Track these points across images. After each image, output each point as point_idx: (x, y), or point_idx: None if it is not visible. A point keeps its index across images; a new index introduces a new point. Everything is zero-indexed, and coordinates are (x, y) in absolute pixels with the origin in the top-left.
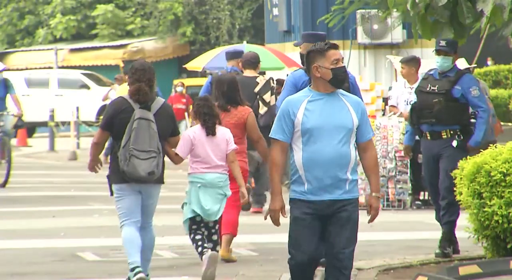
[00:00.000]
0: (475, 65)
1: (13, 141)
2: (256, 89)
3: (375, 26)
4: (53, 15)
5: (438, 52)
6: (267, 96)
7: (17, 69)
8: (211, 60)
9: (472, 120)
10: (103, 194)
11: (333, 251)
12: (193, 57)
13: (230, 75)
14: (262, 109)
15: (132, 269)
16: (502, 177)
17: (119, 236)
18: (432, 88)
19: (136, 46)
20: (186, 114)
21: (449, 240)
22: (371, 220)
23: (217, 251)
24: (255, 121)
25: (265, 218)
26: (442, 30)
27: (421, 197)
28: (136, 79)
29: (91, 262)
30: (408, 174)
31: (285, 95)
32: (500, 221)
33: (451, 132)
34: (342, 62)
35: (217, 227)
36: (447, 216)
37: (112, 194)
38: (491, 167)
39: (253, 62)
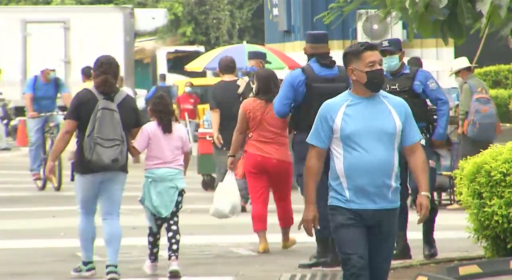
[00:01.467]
0: (476, 65)
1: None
2: (240, 91)
3: (375, 26)
4: None
5: (383, 52)
6: None
7: None
8: (212, 60)
9: (435, 117)
10: None
11: (371, 265)
12: (193, 57)
13: (268, 70)
14: None
15: (85, 263)
16: (502, 177)
17: None
18: (392, 87)
19: (136, 46)
20: (186, 114)
21: (429, 240)
22: (420, 220)
23: (178, 241)
24: None
25: (299, 228)
26: (441, 30)
27: None
28: (102, 72)
29: None
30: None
31: (282, 94)
32: (500, 221)
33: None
34: (380, 65)
35: (175, 219)
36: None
37: (73, 179)
38: (491, 167)
39: (231, 66)
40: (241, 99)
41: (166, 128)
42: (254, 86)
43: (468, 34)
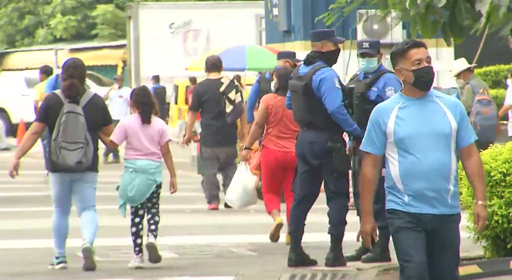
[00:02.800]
0: (476, 64)
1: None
2: (222, 89)
3: (375, 26)
4: (53, 15)
5: (363, 54)
6: (232, 95)
7: (17, 69)
8: None
9: None
10: (102, 195)
11: (435, 273)
12: None
13: (287, 68)
14: (228, 108)
15: (57, 258)
16: (502, 177)
17: (119, 236)
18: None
19: None
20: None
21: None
22: (479, 231)
23: (156, 222)
24: None
25: (358, 240)
26: (441, 30)
27: None
28: (69, 75)
29: None
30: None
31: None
32: (500, 221)
33: None
34: (428, 62)
35: (157, 207)
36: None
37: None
38: (491, 167)
39: (218, 65)
40: (224, 97)
41: (146, 119)
42: (273, 83)
43: (468, 34)
